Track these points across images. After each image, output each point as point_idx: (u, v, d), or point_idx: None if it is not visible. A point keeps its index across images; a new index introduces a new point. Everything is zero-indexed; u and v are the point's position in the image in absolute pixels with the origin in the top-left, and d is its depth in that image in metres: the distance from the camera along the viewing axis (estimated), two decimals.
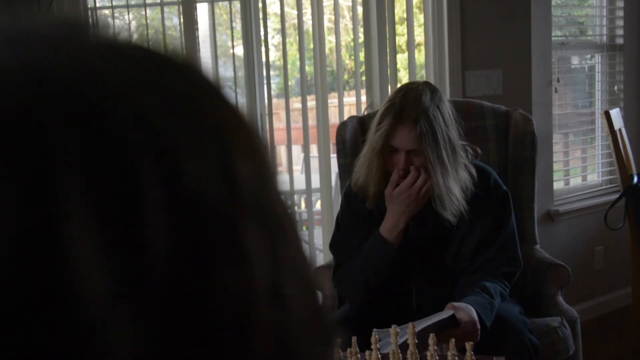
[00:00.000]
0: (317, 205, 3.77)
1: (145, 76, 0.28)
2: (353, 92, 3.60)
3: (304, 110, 3.28)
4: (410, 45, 3.32)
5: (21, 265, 0.23)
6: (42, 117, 0.24)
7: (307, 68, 3.39)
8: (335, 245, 2.26)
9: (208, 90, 0.30)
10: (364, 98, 3.36)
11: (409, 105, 2.02)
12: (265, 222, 0.28)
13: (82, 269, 0.23)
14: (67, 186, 0.24)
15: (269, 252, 0.28)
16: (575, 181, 3.87)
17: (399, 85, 3.21)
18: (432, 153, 2.02)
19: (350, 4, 3.56)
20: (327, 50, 3.40)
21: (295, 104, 3.90)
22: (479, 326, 1.93)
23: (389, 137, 2.04)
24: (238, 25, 3.25)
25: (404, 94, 2.05)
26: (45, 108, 0.24)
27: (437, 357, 1.75)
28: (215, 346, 0.26)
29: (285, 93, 3.36)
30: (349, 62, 5.25)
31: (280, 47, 3.41)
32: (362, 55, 3.30)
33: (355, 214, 2.20)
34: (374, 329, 1.80)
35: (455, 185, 2.06)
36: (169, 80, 0.28)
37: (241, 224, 0.27)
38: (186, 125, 0.27)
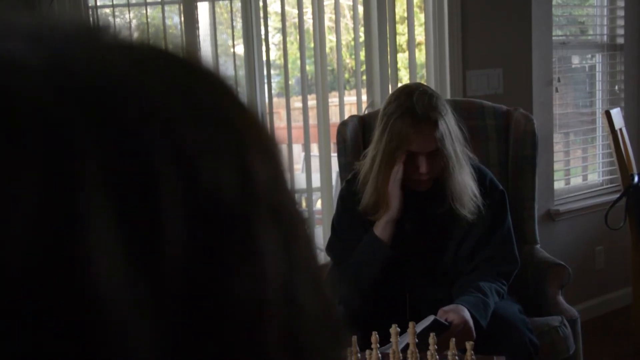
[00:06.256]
0: (318, 205, 3.77)
1: (164, 76, 0.28)
2: (354, 92, 3.60)
3: (305, 109, 3.28)
4: (411, 44, 3.32)
5: (40, 261, 0.23)
6: (64, 112, 0.24)
7: (307, 67, 3.39)
8: (330, 248, 2.25)
9: (224, 91, 0.30)
10: (364, 97, 3.36)
11: (424, 107, 1.99)
12: (279, 222, 0.29)
13: (102, 265, 0.23)
14: (87, 181, 0.24)
15: (282, 251, 0.28)
16: (576, 181, 3.87)
17: (399, 84, 3.22)
18: (452, 151, 2.03)
19: (351, 3, 3.55)
20: (327, 50, 3.40)
21: (296, 103, 3.90)
22: (472, 325, 1.93)
23: (408, 142, 2.02)
24: (239, 24, 3.25)
25: (417, 97, 2.00)
26: (66, 103, 0.24)
27: (437, 357, 1.75)
28: (228, 343, 0.26)
29: (286, 92, 3.36)
30: (349, 61, 5.25)
31: (281, 46, 3.41)
32: (362, 54, 3.30)
33: (351, 217, 2.19)
34: (378, 347, 1.80)
35: (470, 181, 2.08)
36: (187, 81, 0.29)
37: (256, 222, 0.27)
38: (203, 124, 0.27)
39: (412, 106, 2.00)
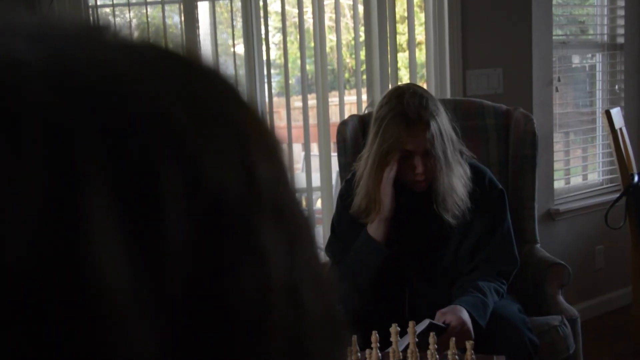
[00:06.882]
0: (318, 204, 3.77)
1: (164, 76, 0.28)
2: (354, 91, 3.60)
3: (305, 108, 3.28)
4: (411, 44, 3.32)
5: (41, 261, 0.23)
6: (64, 112, 0.24)
7: (307, 67, 3.38)
8: (330, 248, 2.25)
9: (227, 92, 0.30)
10: (364, 97, 3.36)
11: (415, 109, 1.99)
12: (282, 223, 0.29)
13: (104, 262, 0.23)
14: (89, 181, 0.24)
15: (285, 253, 0.28)
16: (576, 180, 3.87)
17: (399, 83, 3.21)
18: (441, 152, 2.02)
19: (351, 3, 3.56)
20: (327, 49, 3.40)
21: (296, 102, 3.90)
22: (470, 325, 1.92)
23: (402, 143, 2.02)
24: (239, 23, 3.25)
25: (408, 99, 2.01)
26: (67, 103, 0.24)
27: (437, 357, 1.75)
28: (230, 344, 0.26)
29: (286, 92, 3.36)
30: (349, 61, 5.25)
31: (281, 45, 3.41)
32: (362, 54, 3.30)
33: (351, 216, 2.18)
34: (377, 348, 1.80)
35: (458, 184, 2.07)
36: (189, 81, 0.29)
37: (259, 224, 0.27)
38: (206, 125, 0.27)
39: (403, 108, 2.00)
